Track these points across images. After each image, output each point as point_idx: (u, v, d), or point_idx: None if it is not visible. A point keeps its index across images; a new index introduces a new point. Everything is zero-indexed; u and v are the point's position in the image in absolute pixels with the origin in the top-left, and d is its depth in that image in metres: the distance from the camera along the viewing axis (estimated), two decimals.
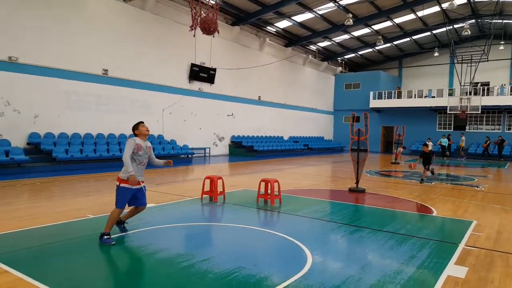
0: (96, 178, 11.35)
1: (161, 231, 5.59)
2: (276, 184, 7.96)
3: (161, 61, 18.38)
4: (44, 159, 13.12)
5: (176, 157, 17.56)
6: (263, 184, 8.02)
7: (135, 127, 5.15)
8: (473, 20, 25.96)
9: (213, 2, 9.29)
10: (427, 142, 17.67)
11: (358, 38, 28.43)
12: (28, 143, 13.43)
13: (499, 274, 4.17)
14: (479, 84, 27.75)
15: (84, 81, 15.11)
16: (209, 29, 7.69)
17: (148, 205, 7.36)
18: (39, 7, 13.59)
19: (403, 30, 27.49)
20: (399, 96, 30.61)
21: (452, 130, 28.97)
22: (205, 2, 9.69)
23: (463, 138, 24.84)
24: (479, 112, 24.73)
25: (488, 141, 24.68)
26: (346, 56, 33.56)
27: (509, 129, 27.23)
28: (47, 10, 13.81)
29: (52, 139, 13.79)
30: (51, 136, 13.89)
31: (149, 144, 5.24)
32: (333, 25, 24.62)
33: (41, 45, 13.69)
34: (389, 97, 30.78)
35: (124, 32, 16.57)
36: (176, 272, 4.01)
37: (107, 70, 15.97)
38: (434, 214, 7.32)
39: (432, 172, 12.51)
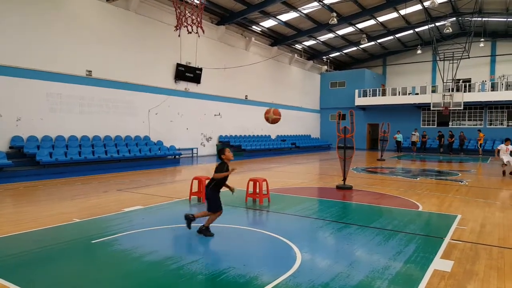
0: (82, 181, 11.16)
1: (149, 234, 5.54)
2: (264, 183, 7.98)
3: (146, 62, 18.17)
4: (28, 163, 12.83)
5: (163, 158, 17.42)
6: (251, 183, 8.03)
7: None
8: (454, 18, 26.50)
9: (198, 2, 9.25)
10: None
11: (342, 36, 28.68)
12: (10, 147, 13.11)
13: (484, 266, 4.28)
14: (461, 81, 28.35)
15: (67, 82, 14.82)
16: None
17: (135, 207, 7.31)
18: (19, 7, 13.28)
19: (386, 29, 27.86)
20: (384, 93, 31.00)
21: (435, 126, 29.53)
22: (189, 1, 9.64)
23: (417, 133, 25.35)
24: (461, 108, 25.24)
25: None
26: (331, 55, 33.81)
27: (490, 124, 27.90)
28: (27, 10, 13.50)
29: (35, 143, 13.50)
30: (34, 140, 13.60)
31: None
32: (318, 24, 24.77)
33: (22, 46, 13.36)
34: (374, 94, 31.17)
35: (108, 32, 16.33)
36: (165, 274, 3.98)
37: (91, 71, 15.70)
38: (420, 209, 7.46)
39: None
